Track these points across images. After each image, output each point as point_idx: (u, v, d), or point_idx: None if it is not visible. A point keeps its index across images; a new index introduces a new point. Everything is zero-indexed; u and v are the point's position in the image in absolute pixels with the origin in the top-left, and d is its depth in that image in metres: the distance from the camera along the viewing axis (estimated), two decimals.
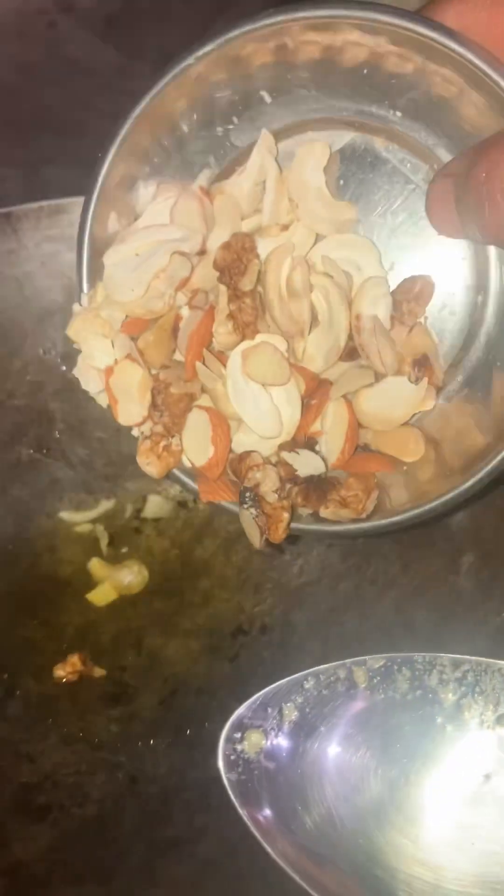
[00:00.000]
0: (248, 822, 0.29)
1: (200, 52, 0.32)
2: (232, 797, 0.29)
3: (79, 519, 0.55)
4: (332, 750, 0.32)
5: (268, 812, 0.30)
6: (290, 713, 0.32)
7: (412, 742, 0.33)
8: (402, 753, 0.33)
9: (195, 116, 0.36)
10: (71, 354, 0.56)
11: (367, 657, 0.35)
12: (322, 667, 0.33)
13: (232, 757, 0.31)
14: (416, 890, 0.29)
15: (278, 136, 0.37)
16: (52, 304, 0.54)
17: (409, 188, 0.36)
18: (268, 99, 0.36)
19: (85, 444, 0.56)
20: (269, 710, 0.32)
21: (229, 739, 0.31)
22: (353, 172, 0.37)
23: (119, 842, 0.43)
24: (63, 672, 0.49)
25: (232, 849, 0.43)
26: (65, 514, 0.55)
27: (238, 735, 0.31)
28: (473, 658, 0.36)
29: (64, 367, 0.55)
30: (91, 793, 0.45)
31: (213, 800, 0.45)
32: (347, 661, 0.34)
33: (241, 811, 0.29)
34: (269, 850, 0.29)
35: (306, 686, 0.33)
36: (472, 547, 0.49)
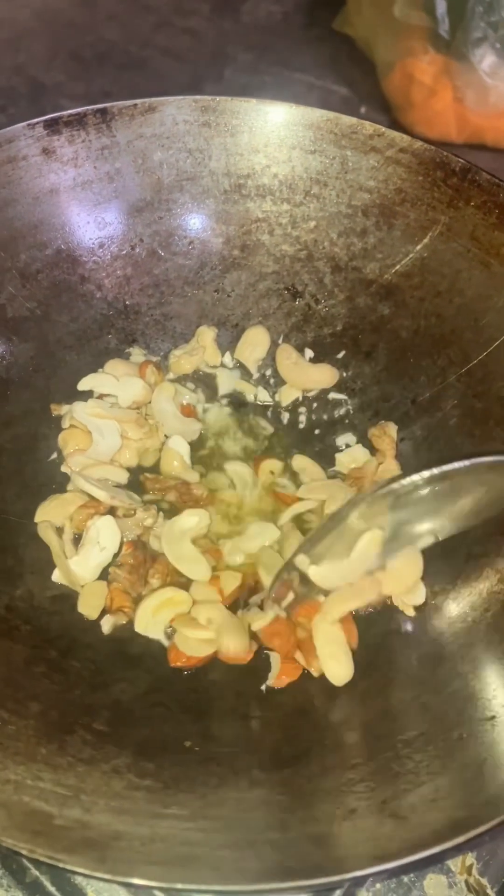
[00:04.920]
0: None
1: None
2: None
3: None
4: None
5: None
6: None
7: None
8: None
9: None
10: (156, 252, 0.59)
11: None
12: None
13: None
14: None
15: None
16: (141, 201, 0.56)
17: None
18: None
19: (166, 337, 0.58)
20: None
21: None
22: None
23: (210, 690, 0.44)
24: None
25: (311, 701, 0.45)
26: None
27: None
28: None
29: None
30: None
31: None
32: None
33: None
34: None
35: None
36: None
